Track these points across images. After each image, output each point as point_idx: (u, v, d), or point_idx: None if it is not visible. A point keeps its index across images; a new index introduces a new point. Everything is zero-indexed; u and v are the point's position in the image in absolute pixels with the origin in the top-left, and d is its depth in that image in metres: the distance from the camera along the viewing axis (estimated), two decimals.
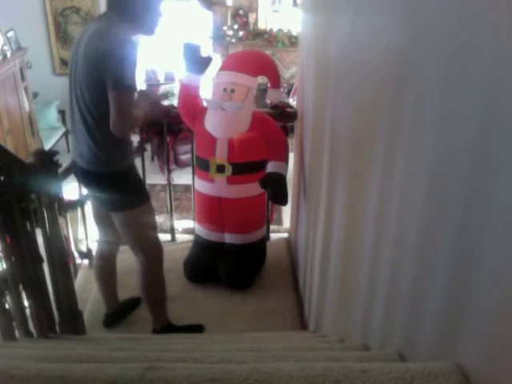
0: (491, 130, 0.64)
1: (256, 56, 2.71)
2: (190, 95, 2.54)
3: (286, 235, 3.35)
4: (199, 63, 2.38)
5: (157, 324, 2.28)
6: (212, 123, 2.50)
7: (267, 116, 2.60)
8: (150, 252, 2.12)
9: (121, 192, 1.96)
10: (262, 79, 2.84)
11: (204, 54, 2.39)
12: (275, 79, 2.61)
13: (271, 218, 3.19)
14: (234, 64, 2.56)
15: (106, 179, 1.93)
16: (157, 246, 2.16)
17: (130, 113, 1.74)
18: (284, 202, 2.51)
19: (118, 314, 2.46)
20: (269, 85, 2.66)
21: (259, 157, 2.55)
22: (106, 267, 2.34)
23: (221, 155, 2.49)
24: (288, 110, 2.84)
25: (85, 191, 2.65)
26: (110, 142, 1.82)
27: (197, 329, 2.39)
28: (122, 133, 1.77)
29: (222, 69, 2.58)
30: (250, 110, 2.49)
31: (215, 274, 2.71)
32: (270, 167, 2.52)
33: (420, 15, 0.90)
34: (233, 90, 2.45)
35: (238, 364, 0.95)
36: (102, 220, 2.17)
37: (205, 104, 2.58)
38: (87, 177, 1.97)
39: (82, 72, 1.75)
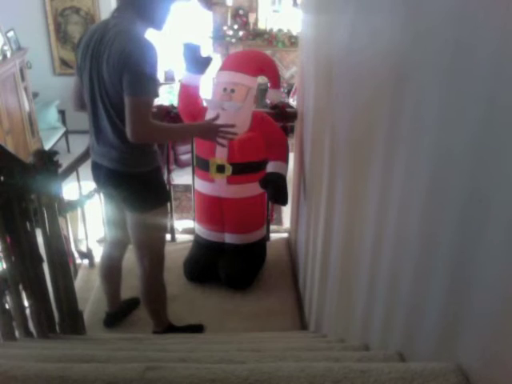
0: (491, 130, 0.64)
1: (256, 56, 2.71)
2: (190, 95, 2.54)
3: (286, 235, 3.35)
4: (199, 63, 2.38)
5: (157, 327, 2.28)
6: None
7: (267, 116, 2.59)
8: (155, 257, 2.11)
9: (144, 193, 1.93)
10: (262, 79, 2.84)
11: (204, 54, 2.39)
12: (275, 79, 2.61)
13: (271, 218, 3.19)
14: (234, 64, 2.56)
15: (131, 179, 1.90)
16: (161, 253, 2.15)
17: (147, 121, 1.70)
18: (284, 201, 2.51)
19: (119, 313, 2.46)
20: (269, 85, 2.66)
21: (259, 157, 2.55)
22: (112, 268, 2.33)
23: (221, 155, 2.50)
24: (288, 109, 2.84)
25: (85, 191, 2.66)
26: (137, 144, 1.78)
27: (197, 329, 2.39)
28: (136, 139, 1.72)
29: (222, 69, 2.58)
30: (250, 110, 2.49)
31: (215, 274, 2.71)
32: (270, 167, 2.52)
33: (420, 15, 0.90)
34: (233, 90, 2.45)
35: (238, 364, 0.95)
36: (115, 221, 2.15)
37: (205, 104, 2.58)
38: (111, 176, 1.92)
39: (108, 72, 1.71)
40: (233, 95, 2.44)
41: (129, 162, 1.86)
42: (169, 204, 2.09)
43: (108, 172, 1.91)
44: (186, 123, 2.05)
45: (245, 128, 2.47)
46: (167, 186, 2.03)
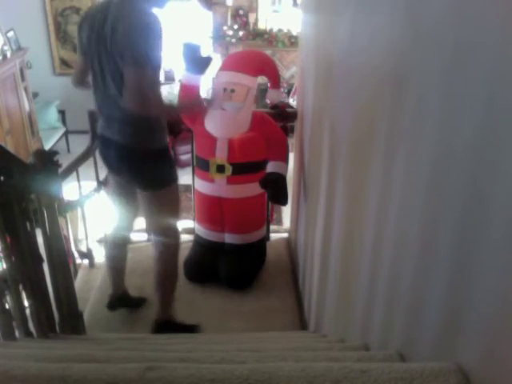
0: (491, 130, 0.64)
1: (256, 56, 2.71)
2: (189, 95, 2.54)
3: (286, 235, 3.35)
4: (199, 63, 2.38)
5: (161, 315, 2.26)
6: (212, 123, 2.49)
7: (267, 116, 2.60)
8: (171, 236, 2.15)
9: (155, 170, 1.97)
10: (262, 79, 2.84)
11: (204, 53, 2.39)
12: (275, 79, 2.61)
13: (271, 217, 3.19)
14: (234, 64, 2.56)
15: (144, 155, 1.94)
16: (177, 235, 2.19)
17: (149, 92, 1.73)
18: (284, 202, 2.51)
19: (122, 299, 2.46)
20: (269, 85, 2.66)
21: (259, 157, 2.55)
22: (117, 253, 2.37)
23: (221, 155, 2.49)
24: (288, 109, 2.85)
25: (85, 191, 2.66)
26: (148, 119, 1.83)
27: (193, 329, 2.39)
28: (137, 110, 1.76)
29: (222, 69, 2.58)
30: (250, 110, 2.49)
31: (215, 274, 2.71)
32: (270, 167, 2.52)
33: (420, 15, 0.90)
34: (233, 90, 2.45)
35: (238, 364, 0.95)
36: (123, 202, 2.18)
37: (204, 104, 2.58)
38: (124, 152, 1.95)
39: (114, 46, 1.73)
40: (233, 95, 2.44)
41: (141, 138, 1.90)
42: (178, 179, 2.15)
43: (120, 148, 1.94)
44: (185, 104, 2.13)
45: (245, 128, 2.47)
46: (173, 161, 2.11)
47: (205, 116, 2.14)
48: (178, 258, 2.22)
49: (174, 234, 2.16)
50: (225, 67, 2.58)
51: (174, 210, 2.13)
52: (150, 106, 1.78)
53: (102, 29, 1.77)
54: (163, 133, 1.97)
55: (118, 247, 2.36)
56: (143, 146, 1.92)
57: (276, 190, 2.48)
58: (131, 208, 2.20)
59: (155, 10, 1.81)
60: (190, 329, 2.37)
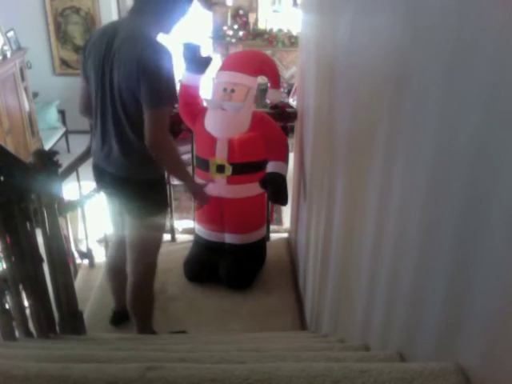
0: (491, 129, 0.64)
1: (256, 56, 2.71)
2: (189, 95, 2.54)
3: (286, 235, 3.35)
4: (199, 63, 2.38)
5: (140, 333, 2.23)
6: (212, 123, 2.49)
7: (267, 116, 2.59)
8: (148, 264, 2.11)
9: (144, 201, 1.93)
10: (262, 79, 2.84)
11: (204, 53, 2.39)
12: (275, 79, 2.61)
13: (271, 217, 3.19)
14: (234, 64, 2.56)
15: (134, 186, 1.90)
16: (155, 261, 2.14)
17: (166, 130, 1.74)
18: (284, 202, 2.51)
19: (125, 313, 2.40)
20: (269, 85, 2.66)
21: (259, 157, 2.55)
22: (118, 267, 2.30)
23: (221, 155, 2.49)
24: (288, 109, 2.84)
25: (85, 191, 2.66)
26: (145, 149, 1.77)
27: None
28: (156, 145, 1.74)
29: (222, 69, 2.58)
30: (249, 110, 2.49)
31: (215, 274, 2.71)
32: (270, 167, 2.52)
33: (420, 14, 0.90)
34: (233, 90, 2.45)
35: (238, 364, 0.95)
36: (118, 220, 2.15)
37: (205, 104, 2.58)
38: (115, 181, 1.93)
39: (124, 77, 1.69)
40: (233, 95, 2.44)
41: (133, 169, 1.86)
42: (169, 207, 2.16)
43: (111, 177, 1.92)
44: (189, 173, 2.17)
45: (245, 128, 2.47)
46: (168, 189, 2.07)
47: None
48: (153, 283, 2.16)
49: (152, 262, 2.12)
50: (225, 67, 2.58)
51: (157, 239, 2.10)
52: (168, 143, 1.78)
53: (107, 56, 1.72)
54: (155, 164, 1.88)
55: (119, 259, 2.29)
56: (135, 177, 1.89)
57: (276, 190, 2.48)
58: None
59: (161, 36, 1.79)
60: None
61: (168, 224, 3.09)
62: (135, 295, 2.15)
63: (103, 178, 1.97)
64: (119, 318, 2.43)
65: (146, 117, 1.70)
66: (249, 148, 2.52)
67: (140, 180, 1.90)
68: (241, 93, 2.44)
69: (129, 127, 1.78)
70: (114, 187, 1.96)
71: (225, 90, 2.46)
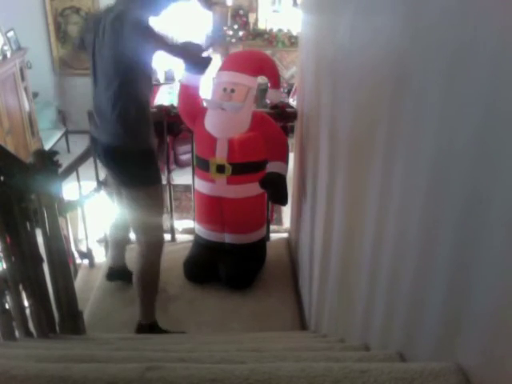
0: (491, 130, 0.64)
1: (255, 56, 2.71)
2: (189, 95, 2.54)
3: (286, 235, 3.35)
4: (199, 63, 2.37)
5: (143, 319, 2.26)
6: (212, 123, 2.49)
7: (267, 116, 2.59)
8: (152, 238, 2.19)
9: (137, 169, 2.05)
10: (262, 79, 2.84)
11: (204, 54, 2.38)
12: (275, 79, 2.61)
13: (271, 217, 3.19)
14: (234, 64, 2.56)
15: (125, 155, 2.03)
16: (159, 235, 2.24)
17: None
18: (284, 201, 2.51)
19: (120, 272, 2.60)
20: (269, 85, 2.66)
21: (259, 157, 2.55)
22: (119, 234, 2.53)
23: (221, 155, 2.49)
24: (288, 109, 2.84)
25: (85, 191, 2.66)
26: (137, 119, 1.97)
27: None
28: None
29: (222, 69, 2.58)
30: (249, 110, 2.49)
31: (215, 274, 2.71)
32: (270, 167, 2.52)
33: (420, 15, 0.90)
34: (233, 90, 2.45)
35: (238, 364, 0.95)
36: (118, 197, 2.29)
37: (205, 104, 2.58)
38: (107, 151, 2.05)
39: (108, 53, 1.87)
40: (233, 95, 2.44)
41: (127, 139, 1.99)
42: (162, 182, 2.26)
43: (104, 147, 2.05)
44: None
45: (244, 128, 2.47)
46: (161, 173, 2.22)
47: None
48: (159, 259, 2.24)
49: (155, 234, 2.21)
50: (225, 67, 2.58)
51: (155, 211, 2.17)
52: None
53: (98, 34, 1.89)
54: (149, 134, 2.06)
55: (121, 229, 2.49)
56: (128, 146, 2.01)
57: (276, 190, 2.48)
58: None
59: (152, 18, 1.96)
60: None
61: (168, 224, 3.10)
62: (140, 273, 2.21)
63: (97, 149, 2.12)
64: (114, 274, 2.61)
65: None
66: (249, 148, 2.52)
67: (132, 149, 2.02)
68: (241, 93, 2.44)
69: (118, 96, 1.92)
70: (106, 158, 2.08)
71: (225, 89, 2.46)
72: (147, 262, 2.20)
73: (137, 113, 1.97)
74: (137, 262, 2.22)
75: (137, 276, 2.23)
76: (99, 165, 2.47)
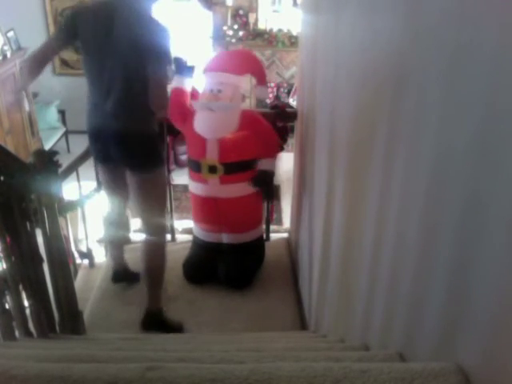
0: (491, 130, 0.64)
1: (240, 55, 2.73)
2: (179, 98, 2.55)
3: (286, 235, 3.35)
4: (186, 71, 2.53)
5: (152, 305, 2.32)
6: (201, 124, 2.50)
7: (256, 114, 2.60)
8: (158, 224, 2.28)
9: (148, 152, 2.16)
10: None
11: (189, 64, 2.55)
12: (261, 76, 2.62)
13: (271, 217, 3.19)
14: (219, 64, 2.57)
15: (139, 138, 2.12)
16: (164, 221, 2.35)
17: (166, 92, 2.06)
18: (272, 197, 2.70)
19: (125, 273, 2.64)
20: (255, 82, 2.66)
21: (250, 155, 2.55)
22: (115, 233, 2.56)
23: (212, 156, 2.49)
24: (288, 110, 2.84)
25: (85, 191, 2.66)
26: (143, 107, 2.04)
27: (180, 329, 2.42)
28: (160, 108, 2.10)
29: (208, 70, 2.58)
30: (238, 109, 2.49)
31: (214, 275, 2.71)
32: (262, 165, 2.56)
33: (420, 15, 0.90)
34: (219, 90, 2.46)
35: (238, 364, 0.95)
36: (115, 186, 2.34)
37: (193, 106, 2.58)
38: (118, 136, 2.10)
39: (124, 46, 1.96)
40: (219, 95, 2.45)
41: (140, 124, 2.09)
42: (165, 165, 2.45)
43: (116, 134, 2.10)
44: None
45: (233, 127, 2.47)
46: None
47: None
48: (165, 245, 2.32)
49: (161, 219, 2.30)
50: (210, 68, 2.58)
51: (162, 194, 2.30)
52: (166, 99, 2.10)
53: (110, 29, 1.96)
54: (154, 120, 2.16)
55: (116, 227, 2.53)
56: (141, 129, 2.11)
57: (268, 188, 2.54)
58: (122, 193, 2.35)
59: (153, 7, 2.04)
60: (177, 329, 2.39)
61: (168, 223, 3.10)
62: (148, 257, 2.28)
63: (101, 140, 2.15)
64: (118, 276, 2.64)
65: (152, 82, 1.98)
66: (239, 147, 2.52)
67: (142, 133, 2.12)
68: (227, 92, 2.45)
69: (136, 86, 2.01)
70: (118, 145, 2.12)
71: (211, 90, 2.48)
72: (155, 247, 2.27)
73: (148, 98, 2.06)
74: (144, 250, 2.28)
75: (145, 262, 2.29)
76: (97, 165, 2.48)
